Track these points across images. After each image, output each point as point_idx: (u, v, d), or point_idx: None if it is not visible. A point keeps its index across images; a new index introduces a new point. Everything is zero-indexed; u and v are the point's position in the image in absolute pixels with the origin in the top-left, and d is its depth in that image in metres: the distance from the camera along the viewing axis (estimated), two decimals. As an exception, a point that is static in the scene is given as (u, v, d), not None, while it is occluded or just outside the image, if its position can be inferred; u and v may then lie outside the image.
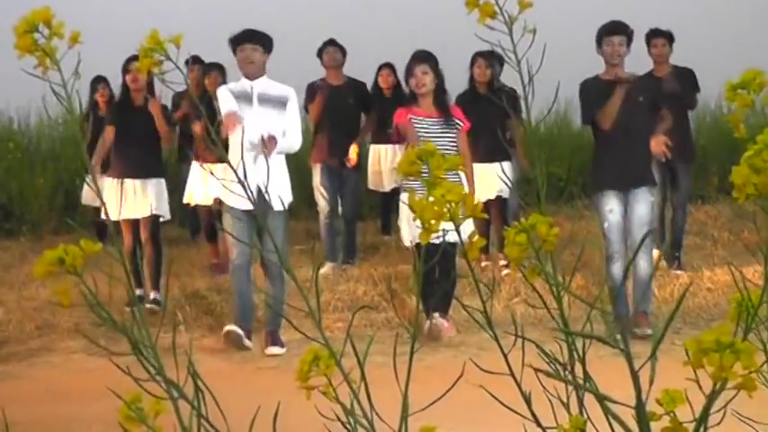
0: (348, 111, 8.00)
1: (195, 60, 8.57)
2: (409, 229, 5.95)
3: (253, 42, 5.97)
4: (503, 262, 7.64)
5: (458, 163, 1.15)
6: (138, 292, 7.10)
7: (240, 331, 5.94)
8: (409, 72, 6.21)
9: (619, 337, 1.09)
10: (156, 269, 7.16)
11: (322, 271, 7.77)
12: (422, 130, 6.11)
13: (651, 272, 6.13)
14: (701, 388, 1.04)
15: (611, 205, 5.97)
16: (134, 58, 6.47)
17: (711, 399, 0.99)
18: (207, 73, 7.97)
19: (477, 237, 1.11)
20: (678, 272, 7.41)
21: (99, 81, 8.85)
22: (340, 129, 7.86)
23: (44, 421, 4.83)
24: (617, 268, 5.92)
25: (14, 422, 5.06)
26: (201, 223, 8.37)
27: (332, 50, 8.07)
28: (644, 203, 5.97)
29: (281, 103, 6.02)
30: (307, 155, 8.15)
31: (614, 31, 6.01)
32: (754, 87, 1.04)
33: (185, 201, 7.97)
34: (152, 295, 7.08)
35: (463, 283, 6.35)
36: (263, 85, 6.02)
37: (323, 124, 7.90)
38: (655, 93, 6.31)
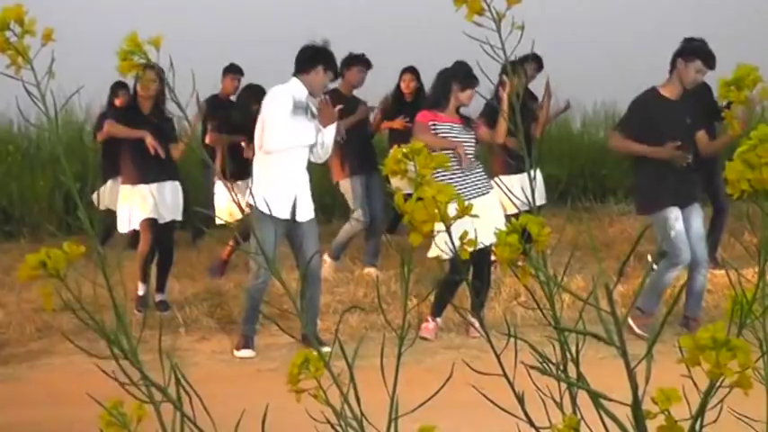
0: (364, 122, 8.00)
1: (231, 69, 8.58)
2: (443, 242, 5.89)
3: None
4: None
5: (445, 161, 1.14)
6: (142, 289, 7.05)
7: (253, 353, 6.09)
8: (470, 85, 6.15)
9: (615, 334, 1.08)
10: (167, 272, 7.16)
11: (324, 269, 7.78)
12: (450, 135, 6.14)
13: (705, 283, 6.34)
14: (696, 386, 1.04)
15: (676, 213, 6.09)
16: (148, 66, 6.38)
17: (707, 396, 0.99)
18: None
19: (468, 238, 1.10)
20: (717, 271, 7.41)
21: (120, 86, 8.85)
22: (359, 138, 7.87)
23: (45, 423, 4.83)
24: (673, 275, 6.16)
25: (15, 424, 5.06)
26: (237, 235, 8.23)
27: (357, 70, 7.90)
28: (698, 218, 6.18)
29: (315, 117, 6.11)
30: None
31: (709, 63, 6.04)
32: (747, 84, 1.03)
33: (220, 221, 7.81)
34: (158, 297, 7.07)
35: (463, 286, 6.36)
36: (312, 101, 6.10)
37: (348, 137, 7.85)
38: (701, 112, 6.38)
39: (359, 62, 7.96)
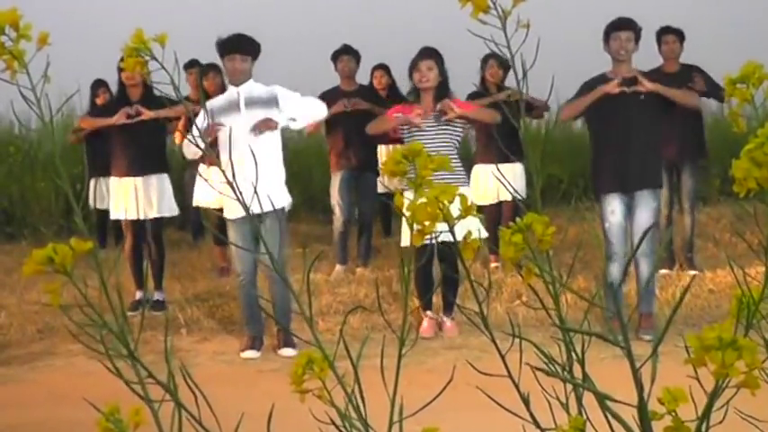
0: (362, 116, 8.03)
1: (192, 64, 8.57)
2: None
3: (242, 53, 5.98)
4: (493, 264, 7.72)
5: (444, 163, 1.13)
6: (139, 295, 7.07)
7: (257, 354, 6.02)
8: (414, 67, 6.13)
9: (619, 334, 1.08)
10: (160, 270, 7.14)
11: (332, 274, 7.78)
12: (416, 129, 6.05)
13: (652, 274, 6.06)
14: (702, 386, 1.03)
15: (613, 206, 5.94)
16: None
17: (713, 397, 0.98)
18: (205, 74, 7.94)
19: (472, 237, 1.09)
20: (692, 272, 7.39)
21: (99, 84, 8.84)
22: (356, 133, 7.89)
23: (46, 424, 4.82)
24: (615, 269, 5.91)
25: (16, 425, 5.05)
26: (210, 226, 8.32)
27: (346, 59, 8.14)
28: (646, 208, 5.89)
29: (268, 102, 5.99)
30: (307, 158, 8.17)
31: (621, 26, 5.95)
32: (753, 81, 1.02)
33: (194, 204, 7.87)
34: (156, 296, 7.07)
35: (464, 285, 6.35)
36: (248, 88, 6.01)
37: (338, 131, 7.94)
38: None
39: (342, 53, 8.16)
